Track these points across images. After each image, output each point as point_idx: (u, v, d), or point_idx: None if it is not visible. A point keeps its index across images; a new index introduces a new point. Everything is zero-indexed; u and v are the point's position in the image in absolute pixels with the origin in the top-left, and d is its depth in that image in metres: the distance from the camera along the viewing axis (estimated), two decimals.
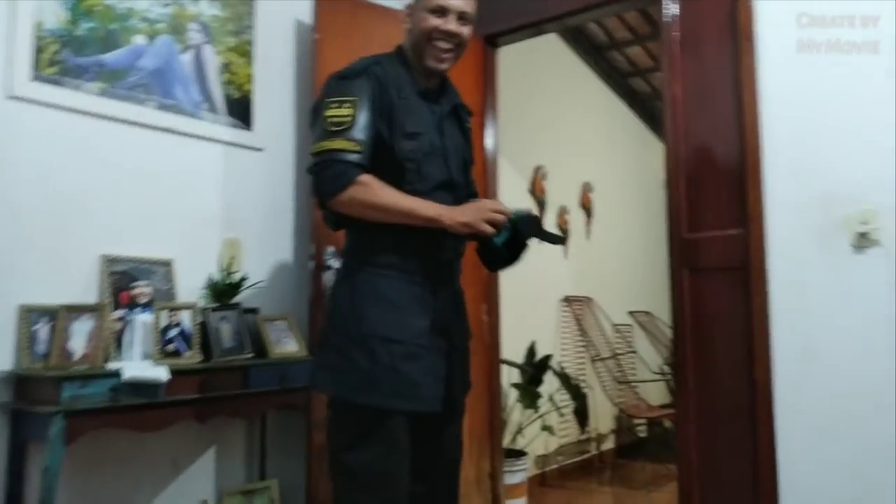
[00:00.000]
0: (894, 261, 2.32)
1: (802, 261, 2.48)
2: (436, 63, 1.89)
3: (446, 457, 1.95)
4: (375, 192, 1.74)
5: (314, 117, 1.85)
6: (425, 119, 1.87)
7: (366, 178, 1.74)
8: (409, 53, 1.92)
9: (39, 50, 2.29)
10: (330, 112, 1.77)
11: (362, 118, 1.77)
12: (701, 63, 2.80)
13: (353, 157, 1.74)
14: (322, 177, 1.76)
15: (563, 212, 5.12)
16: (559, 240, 1.97)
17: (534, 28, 3.46)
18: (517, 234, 1.78)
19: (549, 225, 4.95)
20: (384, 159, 1.79)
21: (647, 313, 5.74)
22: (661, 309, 4.54)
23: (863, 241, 2.37)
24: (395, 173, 1.79)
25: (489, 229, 1.75)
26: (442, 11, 1.85)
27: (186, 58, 2.71)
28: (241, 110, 2.86)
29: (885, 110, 2.37)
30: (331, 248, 2.76)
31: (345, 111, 1.76)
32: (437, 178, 1.85)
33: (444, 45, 1.87)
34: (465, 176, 1.96)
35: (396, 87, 1.84)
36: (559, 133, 5.11)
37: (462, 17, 1.88)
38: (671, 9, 2.86)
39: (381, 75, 1.83)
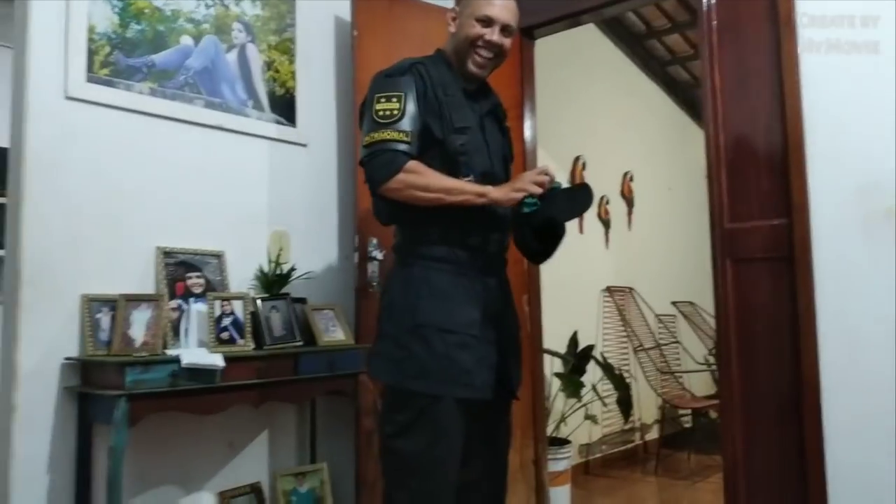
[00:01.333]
0: None
1: (847, 252, 2.44)
2: (476, 69, 1.99)
3: (497, 445, 2.01)
4: (424, 175, 1.82)
5: (363, 113, 1.94)
6: (470, 116, 1.95)
7: (414, 164, 1.82)
8: (451, 56, 2.01)
9: (93, 52, 2.38)
10: (378, 106, 1.86)
11: (409, 110, 1.86)
12: (740, 50, 2.77)
13: (402, 147, 1.82)
14: (373, 165, 1.84)
15: (603, 202, 5.12)
16: (586, 199, 1.93)
17: (571, 19, 3.43)
18: (548, 219, 1.83)
19: (591, 215, 4.95)
20: (436, 152, 1.87)
21: (690, 303, 5.71)
22: (705, 299, 4.51)
23: None
24: (447, 165, 1.87)
25: (536, 189, 1.81)
26: (488, 22, 1.95)
27: (231, 57, 2.79)
28: (284, 107, 2.94)
29: None
30: (374, 240, 2.82)
31: (392, 105, 1.85)
32: (482, 170, 1.93)
33: (485, 53, 1.97)
34: (505, 171, 2.05)
35: (441, 86, 1.93)
36: (598, 123, 5.11)
37: (505, 29, 1.97)
38: None
39: (424, 74, 1.92)
